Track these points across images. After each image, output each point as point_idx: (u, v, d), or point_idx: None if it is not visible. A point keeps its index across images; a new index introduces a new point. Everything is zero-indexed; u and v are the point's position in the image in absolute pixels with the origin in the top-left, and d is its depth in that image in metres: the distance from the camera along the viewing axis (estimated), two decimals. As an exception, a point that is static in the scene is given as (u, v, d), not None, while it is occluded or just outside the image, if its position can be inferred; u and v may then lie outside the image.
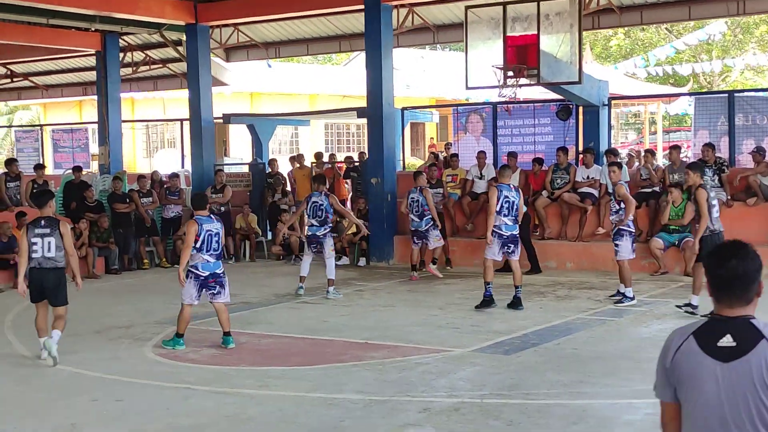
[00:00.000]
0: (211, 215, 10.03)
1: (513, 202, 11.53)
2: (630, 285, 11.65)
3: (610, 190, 14.81)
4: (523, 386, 7.81)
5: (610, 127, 16.44)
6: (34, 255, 9.28)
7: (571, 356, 8.90)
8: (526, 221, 14.65)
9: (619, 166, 12.00)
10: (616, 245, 11.61)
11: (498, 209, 11.46)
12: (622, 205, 11.48)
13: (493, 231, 11.52)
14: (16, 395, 8.18)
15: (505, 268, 12.56)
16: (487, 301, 11.61)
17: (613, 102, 17.01)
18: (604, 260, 14.65)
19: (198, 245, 9.55)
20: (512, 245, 11.63)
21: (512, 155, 16.11)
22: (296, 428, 6.88)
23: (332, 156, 21.24)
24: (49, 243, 9.25)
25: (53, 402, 7.86)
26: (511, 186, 11.78)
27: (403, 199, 14.96)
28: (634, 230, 11.85)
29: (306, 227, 13.68)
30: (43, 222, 9.35)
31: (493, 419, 6.87)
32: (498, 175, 12.31)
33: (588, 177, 15.28)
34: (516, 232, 11.65)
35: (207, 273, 9.68)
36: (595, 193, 15.13)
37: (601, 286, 13.24)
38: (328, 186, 18.94)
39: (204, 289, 9.75)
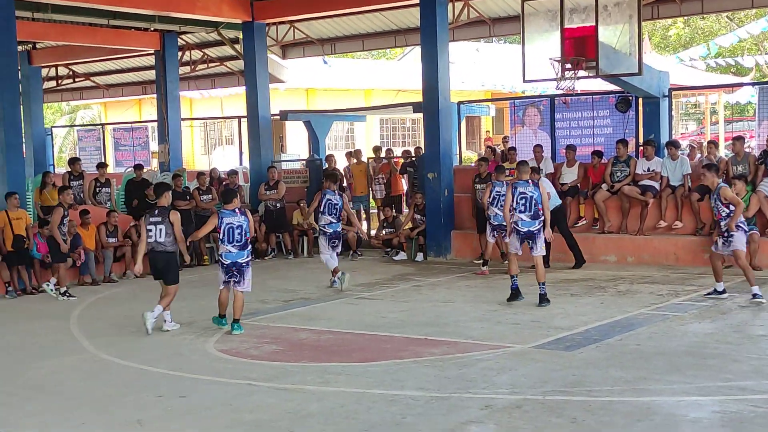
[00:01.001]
0: (237, 210, 10.65)
1: (530, 197, 11.43)
2: (720, 279, 11.46)
3: (673, 183, 14.69)
4: (585, 383, 7.74)
5: (671, 119, 16.17)
6: (149, 240, 10.83)
7: (634, 352, 8.79)
8: (562, 214, 14.61)
9: (710, 168, 11.64)
10: (731, 236, 11.08)
11: (514, 205, 11.45)
12: (731, 208, 11.07)
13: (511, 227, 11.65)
14: (84, 391, 8.33)
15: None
16: (514, 294, 11.68)
17: (673, 93, 16.72)
18: (666, 254, 14.49)
19: (221, 236, 10.52)
20: (531, 241, 11.54)
21: (571, 148, 15.97)
22: (357, 424, 6.89)
23: (389, 151, 21.22)
24: (161, 230, 10.73)
25: (120, 398, 7.99)
26: (530, 182, 11.66)
27: (485, 191, 14.51)
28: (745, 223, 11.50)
29: (323, 224, 13.78)
30: (156, 211, 10.86)
31: (555, 416, 6.82)
32: (516, 171, 12.22)
33: (649, 169, 15.05)
34: (534, 228, 11.49)
35: (229, 261, 10.54)
36: (656, 185, 14.90)
37: (663, 280, 13.06)
38: (385, 179, 19.04)
39: (228, 276, 10.58)
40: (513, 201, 11.48)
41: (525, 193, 11.45)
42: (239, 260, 10.55)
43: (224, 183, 18.45)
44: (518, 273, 11.76)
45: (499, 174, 13.98)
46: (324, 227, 13.72)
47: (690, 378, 7.76)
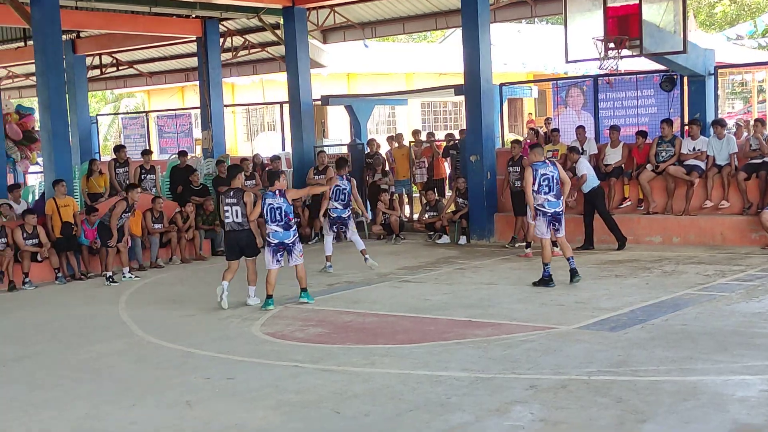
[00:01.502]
0: (277, 192, 11.12)
1: (551, 176, 11.46)
2: None
3: (719, 162, 14.50)
4: (631, 363, 7.70)
5: (716, 97, 15.93)
6: (226, 220, 11.49)
7: (680, 332, 8.72)
8: (600, 195, 14.49)
9: None
10: None
11: (537, 188, 11.44)
12: None
13: (536, 210, 11.53)
14: (134, 373, 8.48)
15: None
16: (546, 281, 11.56)
17: (719, 71, 16.47)
18: (712, 234, 14.33)
19: (265, 217, 11.14)
20: (557, 223, 11.59)
21: (614, 129, 15.82)
22: (402, 404, 6.94)
23: (430, 134, 21.18)
24: (236, 210, 11.35)
25: (169, 380, 8.12)
26: (547, 162, 11.68)
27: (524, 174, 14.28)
28: None
29: (329, 208, 13.92)
30: (231, 193, 11.44)
31: (601, 396, 6.80)
32: (530, 155, 12.14)
33: (694, 149, 14.86)
34: (560, 209, 11.56)
35: (276, 241, 11.12)
36: (702, 165, 14.72)
37: (709, 260, 12.92)
38: (427, 163, 19.00)
39: (278, 255, 11.17)
40: (535, 184, 11.46)
41: (546, 174, 11.48)
42: (286, 240, 11.10)
43: (267, 168, 18.58)
44: (551, 261, 11.66)
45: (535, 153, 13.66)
46: (329, 211, 13.91)
47: (737, 357, 7.70)
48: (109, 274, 14.10)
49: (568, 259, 11.63)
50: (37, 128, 20.21)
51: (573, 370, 7.57)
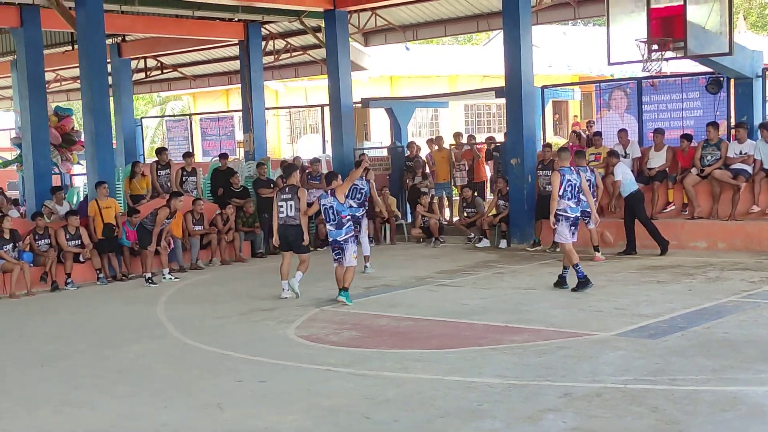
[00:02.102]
0: (329, 192, 11.54)
1: (575, 184, 11.52)
2: None
3: (767, 166, 14.20)
4: (669, 371, 7.53)
5: (764, 100, 15.61)
6: (280, 215, 12.09)
7: (722, 340, 8.52)
8: (638, 200, 14.27)
9: None
10: None
11: (561, 193, 11.46)
12: None
13: (558, 215, 11.50)
14: (168, 374, 8.49)
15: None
16: (583, 282, 11.47)
17: (767, 73, 16.14)
18: (759, 240, 14.04)
19: (322, 216, 11.74)
20: (574, 228, 11.68)
21: (659, 132, 15.59)
22: (434, 411, 6.85)
23: (471, 137, 21.06)
24: (291, 205, 11.94)
25: (202, 381, 8.12)
26: (572, 168, 11.69)
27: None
28: None
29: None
30: (287, 189, 12.08)
31: (636, 405, 6.65)
32: (557, 158, 12.13)
33: (741, 152, 14.58)
34: (579, 214, 11.72)
35: (331, 239, 11.58)
36: (749, 169, 14.43)
37: (755, 266, 12.65)
38: (467, 165, 18.88)
39: (334, 254, 11.57)
40: (560, 189, 11.47)
41: (571, 180, 11.52)
42: (338, 238, 11.46)
43: (306, 171, 18.59)
44: (579, 261, 11.63)
45: (578, 159, 13.50)
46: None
47: (781, 367, 7.50)
48: (149, 275, 14.19)
49: (574, 266, 11.56)
50: (76, 129, 20.46)
51: (609, 377, 7.42)
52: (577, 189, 11.56)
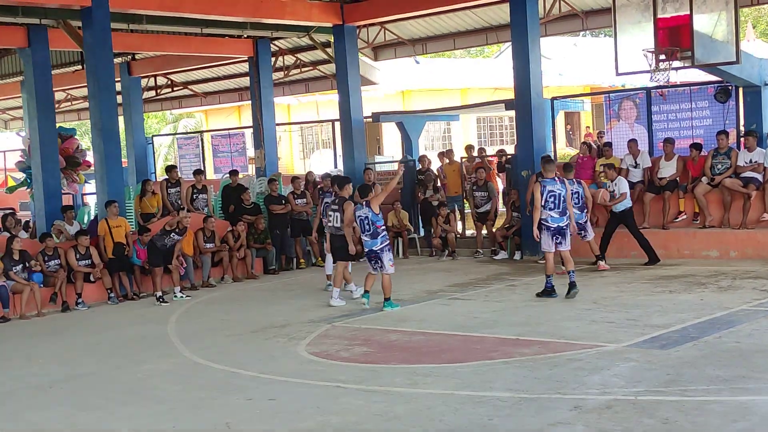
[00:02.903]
0: (364, 203, 12.09)
1: (558, 194, 11.87)
2: None
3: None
4: (680, 382, 7.47)
5: (774, 108, 15.54)
6: (328, 224, 13.03)
7: (734, 350, 8.45)
8: (629, 213, 14.38)
9: None
10: None
11: (543, 203, 11.85)
12: None
13: (540, 225, 11.93)
14: (178, 394, 8.48)
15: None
16: (548, 292, 12.02)
17: (778, 81, 16.05)
18: (771, 248, 13.94)
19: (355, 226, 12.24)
20: (560, 236, 12.00)
21: (669, 141, 15.53)
22: (443, 426, 6.81)
23: (481, 150, 21.03)
24: (337, 216, 12.73)
25: (210, 401, 8.10)
26: (556, 179, 12.04)
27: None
28: None
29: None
30: (336, 200, 12.88)
31: (647, 417, 6.59)
32: (542, 169, 12.38)
33: (751, 161, 14.51)
34: (563, 224, 11.96)
35: (367, 250, 12.04)
36: (759, 177, 14.35)
37: (767, 275, 12.55)
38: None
39: (371, 263, 12.13)
40: (542, 199, 11.85)
41: (553, 191, 11.89)
42: (374, 248, 11.94)
43: (319, 187, 18.59)
44: (554, 273, 12.09)
45: (565, 172, 13.53)
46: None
47: (792, 377, 7.43)
48: (159, 293, 14.21)
49: (569, 273, 11.95)
50: (81, 149, 20.47)
51: (619, 389, 7.37)
52: (561, 200, 11.89)
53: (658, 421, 6.49)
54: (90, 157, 20.19)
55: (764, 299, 10.84)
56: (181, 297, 14.49)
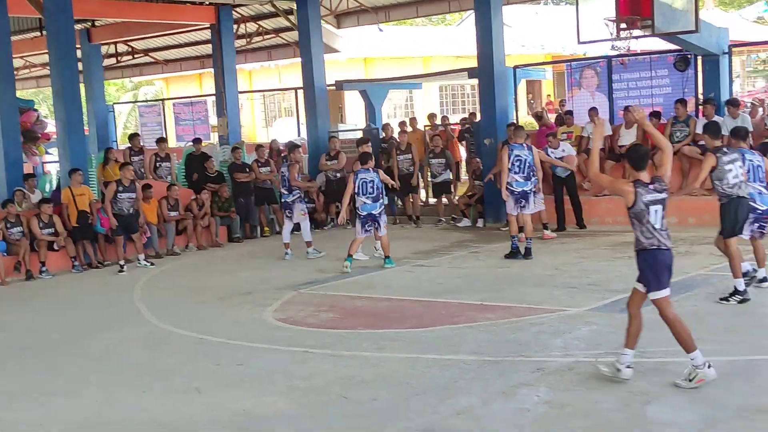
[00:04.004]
0: (371, 169, 12.55)
1: (524, 160, 12.48)
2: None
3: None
4: (639, 345, 7.64)
5: (731, 76, 15.78)
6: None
7: (690, 313, 8.67)
8: (572, 177, 15.06)
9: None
10: None
11: (509, 167, 12.47)
12: None
13: (507, 188, 12.50)
14: (146, 360, 8.56)
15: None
16: (513, 253, 12.63)
17: (736, 50, 16.31)
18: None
19: (355, 190, 12.45)
20: (523, 200, 12.57)
21: (628, 109, 15.71)
22: (410, 389, 6.97)
23: (444, 118, 21.13)
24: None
25: (180, 366, 8.20)
26: (524, 145, 12.68)
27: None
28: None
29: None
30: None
31: (607, 378, 6.79)
32: (511, 134, 13.18)
33: (709, 129, 14.75)
34: (527, 188, 12.56)
35: (365, 213, 12.51)
36: (717, 145, 14.60)
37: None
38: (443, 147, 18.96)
39: (366, 226, 12.51)
40: (509, 163, 12.49)
41: (520, 156, 12.50)
42: (373, 211, 12.47)
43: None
44: (517, 234, 12.63)
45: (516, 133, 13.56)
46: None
47: (745, 338, 7.73)
48: (123, 262, 14.18)
49: (527, 239, 12.52)
50: (41, 121, 20.22)
51: (580, 352, 7.58)
52: (527, 165, 12.49)
53: (618, 382, 6.69)
54: (50, 128, 19.99)
55: (720, 264, 11.06)
56: (145, 265, 14.49)
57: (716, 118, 14.65)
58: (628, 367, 6.72)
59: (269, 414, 6.68)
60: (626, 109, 15.75)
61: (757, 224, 9.61)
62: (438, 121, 20.30)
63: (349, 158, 18.57)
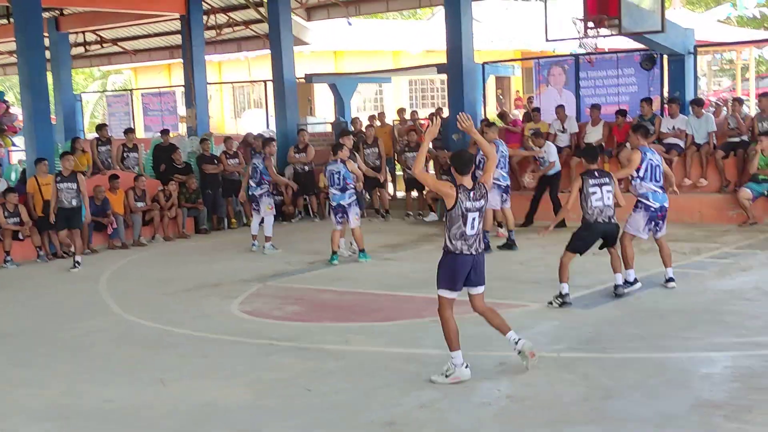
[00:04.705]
0: (339, 160, 12.51)
1: (505, 155, 13.13)
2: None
3: (698, 141, 14.61)
4: (600, 340, 7.82)
5: (696, 76, 16.02)
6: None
7: (651, 310, 8.85)
8: (557, 177, 15.04)
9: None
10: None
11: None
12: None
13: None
14: (111, 351, 8.56)
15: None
16: (499, 246, 13.07)
17: (702, 50, 16.53)
18: (691, 212, 14.45)
19: (327, 182, 12.64)
20: (506, 195, 13.24)
21: (595, 107, 15.90)
22: (373, 381, 7.04)
23: (414, 113, 21.22)
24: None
25: (145, 358, 8.21)
26: (502, 141, 13.45)
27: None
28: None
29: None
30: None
31: (568, 373, 6.92)
32: (485, 131, 13.26)
33: (674, 128, 14.97)
34: (509, 183, 13.35)
35: (335, 203, 12.60)
36: (681, 143, 14.83)
37: (686, 238, 13.04)
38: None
39: (338, 216, 12.60)
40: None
41: (503, 152, 13.05)
42: (341, 202, 12.51)
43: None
44: (490, 229, 13.10)
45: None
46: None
47: (705, 334, 7.83)
48: (79, 259, 13.66)
49: (484, 232, 12.51)
50: (9, 113, 20.05)
51: (543, 347, 7.67)
52: (505, 160, 13.13)
53: (579, 377, 6.82)
54: (18, 120, 19.79)
55: (682, 261, 11.28)
56: (75, 265, 13.66)
57: (681, 117, 14.90)
58: (466, 366, 6.99)
59: (233, 406, 6.72)
60: (592, 106, 15.92)
61: (653, 222, 9.93)
62: (407, 116, 20.37)
63: (317, 151, 18.62)
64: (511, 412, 6.26)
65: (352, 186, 12.65)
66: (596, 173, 9.41)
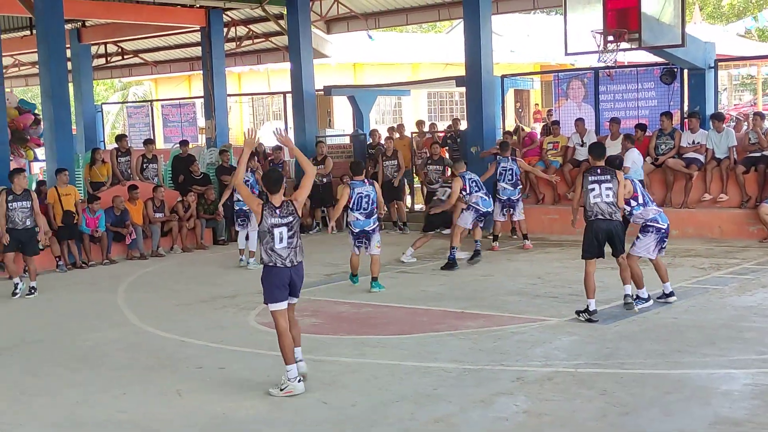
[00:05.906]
0: (365, 180, 11.54)
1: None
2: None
3: (719, 156, 14.50)
4: (618, 356, 7.76)
5: (716, 91, 15.91)
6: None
7: (670, 325, 8.77)
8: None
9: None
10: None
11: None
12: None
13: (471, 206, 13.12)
14: (127, 362, 8.56)
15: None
16: (450, 265, 12.93)
17: (723, 64, 16.43)
18: (710, 227, 14.36)
19: (350, 205, 11.40)
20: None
21: (614, 121, 15.82)
22: (389, 395, 7.01)
23: (432, 125, 21.20)
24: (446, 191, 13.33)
25: (161, 369, 8.21)
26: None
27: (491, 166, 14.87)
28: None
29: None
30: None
31: (586, 389, 6.86)
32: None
33: (694, 142, 14.88)
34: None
35: (358, 230, 11.50)
36: (701, 158, 14.73)
37: (706, 253, 12.96)
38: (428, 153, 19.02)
39: (357, 242, 11.58)
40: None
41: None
42: (366, 228, 11.50)
43: (269, 159, 18.64)
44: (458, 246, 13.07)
45: (504, 150, 14.73)
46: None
47: (724, 351, 7.75)
48: (33, 284, 12.65)
49: (475, 242, 13.44)
50: (34, 127, 20.17)
51: (560, 362, 7.63)
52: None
53: (597, 393, 6.75)
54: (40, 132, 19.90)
55: (702, 277, 11.21)
56: (31, 291, 12.54)
57: (701, 131, 14.81)
58: (300, 380, 7.16)
59: (248, 418, 6.70)
60: (612, 120, 15.84)
61: (663, 242, 9.90)
62: (426, 128, 20.35)
63: (336, 163, 18.63)
64: (528, 428, 6.21)
65: (377, 211, 11.65)
66: (598, 170, 9.33)
